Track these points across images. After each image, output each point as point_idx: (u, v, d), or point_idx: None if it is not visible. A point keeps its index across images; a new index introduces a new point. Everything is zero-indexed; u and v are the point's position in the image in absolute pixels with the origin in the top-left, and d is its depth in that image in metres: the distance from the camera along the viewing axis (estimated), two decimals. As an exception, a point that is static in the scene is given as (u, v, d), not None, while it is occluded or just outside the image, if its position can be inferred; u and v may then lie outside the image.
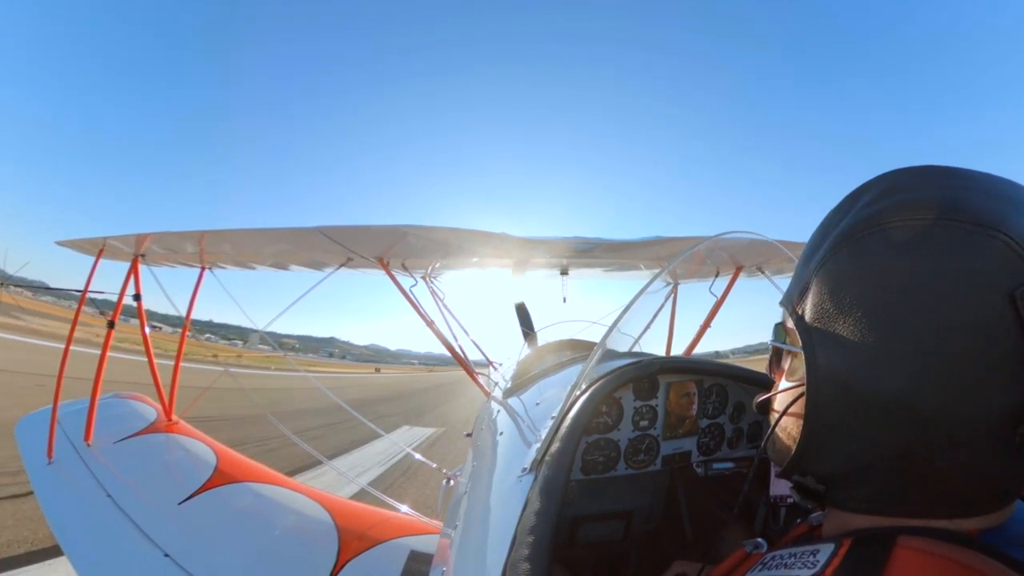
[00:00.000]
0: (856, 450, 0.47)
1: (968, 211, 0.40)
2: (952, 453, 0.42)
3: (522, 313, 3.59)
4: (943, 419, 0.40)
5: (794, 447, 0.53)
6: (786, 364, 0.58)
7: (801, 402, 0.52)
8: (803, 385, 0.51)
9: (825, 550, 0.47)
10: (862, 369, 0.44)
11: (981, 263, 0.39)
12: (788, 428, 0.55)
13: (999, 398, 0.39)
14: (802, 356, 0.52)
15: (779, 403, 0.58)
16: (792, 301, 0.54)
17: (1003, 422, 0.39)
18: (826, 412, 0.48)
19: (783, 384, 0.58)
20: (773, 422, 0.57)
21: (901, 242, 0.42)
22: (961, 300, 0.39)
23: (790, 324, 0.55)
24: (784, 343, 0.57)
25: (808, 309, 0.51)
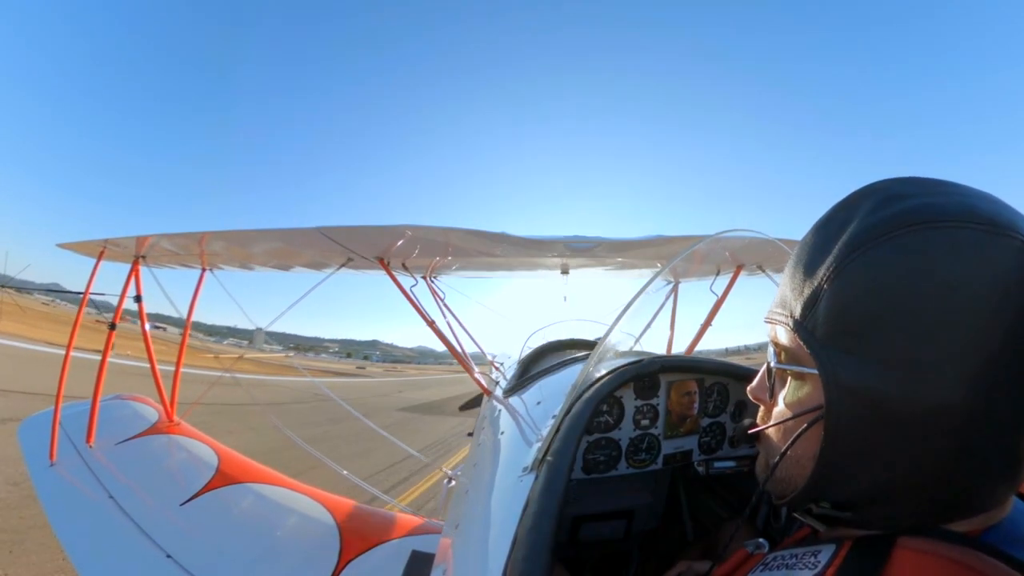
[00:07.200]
0: (886, 472, 0.44)
1: (983, 216, 0.40)
2: (981, 454, 0.41)
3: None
4: (977, 422, 0.39)
5: (806, 476, 0.48)
6: (780, 388, 0.53)
7: (814, 428, 0.47)
8: (816, 410, 0.47)
9: (826, 551, 0.48)
10: (898, 384, 0.41)
11: (1005, 264, 0.39)
12: (796, 456, 0.50)
13: (1022, 391, 0.39)
14: (809, 379, 0.48)
15: (779, 431, 0.53)
16: (795, 316, 0.48)
17: (1021, 413, 0.40)
18: (850, 437, 0.44)
19: (780, 410, 0.53)
20: (779, 454, 0.51)
21: (928, 247, 0.41)
22: (991, 300, 0.39)
23: (786, 342, 0.50)
24: (783, 363, 0.51)
25: (821, 325, 0.46)
